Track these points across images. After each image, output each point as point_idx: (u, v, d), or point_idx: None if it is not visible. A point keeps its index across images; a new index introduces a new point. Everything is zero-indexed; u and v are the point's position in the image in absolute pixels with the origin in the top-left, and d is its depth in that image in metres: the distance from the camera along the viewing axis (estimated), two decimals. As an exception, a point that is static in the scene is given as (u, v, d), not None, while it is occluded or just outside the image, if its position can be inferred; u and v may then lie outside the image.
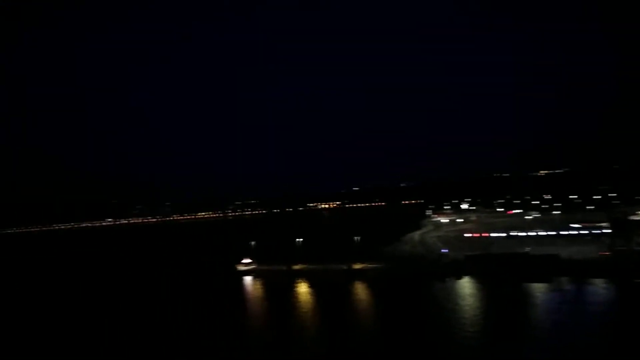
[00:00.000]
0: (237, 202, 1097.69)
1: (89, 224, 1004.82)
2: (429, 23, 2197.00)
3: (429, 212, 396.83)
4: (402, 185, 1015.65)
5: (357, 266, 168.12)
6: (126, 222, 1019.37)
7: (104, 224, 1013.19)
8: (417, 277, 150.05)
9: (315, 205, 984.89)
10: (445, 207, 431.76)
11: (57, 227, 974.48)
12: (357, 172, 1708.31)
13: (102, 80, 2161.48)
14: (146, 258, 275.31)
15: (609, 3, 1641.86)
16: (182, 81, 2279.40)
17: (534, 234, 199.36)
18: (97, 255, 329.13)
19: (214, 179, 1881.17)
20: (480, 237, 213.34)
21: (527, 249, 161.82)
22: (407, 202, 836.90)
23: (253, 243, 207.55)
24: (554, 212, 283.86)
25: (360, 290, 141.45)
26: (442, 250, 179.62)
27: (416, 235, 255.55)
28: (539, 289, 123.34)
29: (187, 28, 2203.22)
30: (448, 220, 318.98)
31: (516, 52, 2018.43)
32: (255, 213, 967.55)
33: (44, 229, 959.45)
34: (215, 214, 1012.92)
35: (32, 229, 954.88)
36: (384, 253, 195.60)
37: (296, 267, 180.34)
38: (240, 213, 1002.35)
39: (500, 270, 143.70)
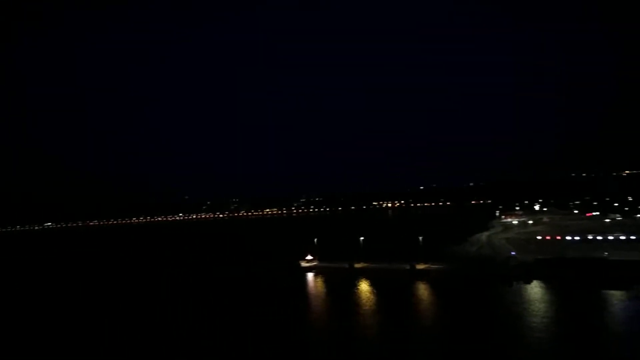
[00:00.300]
0: (302, 200, 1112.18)
1: (162, 219, 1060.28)
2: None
3: (497, 213, 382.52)
4: (470, 184, 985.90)
5: (421, 266, 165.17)
6: (196, 217, 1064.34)
7: (177, 218, 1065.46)
8: (483, 279, 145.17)
9: (380, 204, 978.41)
10: (515, 208, 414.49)
11: (135, 221, 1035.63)
12: (420, 171, 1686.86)
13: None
14: (214, 252, 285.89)
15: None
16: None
17: (613, 238, 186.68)
18: (171, 248, 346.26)
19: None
20: (553, 240, 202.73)
21: (605, 254, 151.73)
22: (474, 202, 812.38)
23: (316, 240, 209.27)
24: (637, 215, 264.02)
25: (423, 290, 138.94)
26: (511, 253, 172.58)
27: (483, 236, 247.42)
28: (616, 296, 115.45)
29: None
30: (518, 222, 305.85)
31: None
32: (320, 211, 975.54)
33: (122, 222, 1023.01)
34: (280, 211, 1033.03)
35: (112, 222, 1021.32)
36: (449, 254, 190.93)
37: (358, 265, 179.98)
38: (304, 210, 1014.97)
39: (574, 275, 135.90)
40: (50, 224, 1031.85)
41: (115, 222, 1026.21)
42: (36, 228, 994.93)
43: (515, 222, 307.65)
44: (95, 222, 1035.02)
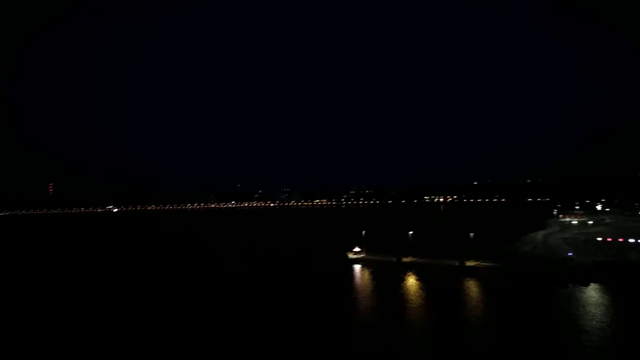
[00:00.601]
0: (351, 192, 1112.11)
1: (216, 206, 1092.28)
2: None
3: (555, 212, 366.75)
4: (527, 181, 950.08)
5: (470, 263, 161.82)
6: (248, 205, 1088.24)
7: (229, 206, 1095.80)
8: (536, 279, 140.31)
9: (432, 199, 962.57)
10: (575, 207, 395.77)
11: (190, 207, 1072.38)
12: (474, 167, 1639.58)
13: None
14: (263, 240, 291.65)
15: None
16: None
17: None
18: (222, 232, 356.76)
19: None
20: (614, 242, 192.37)
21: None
22: (531, 199, 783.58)
23: (364, 232, 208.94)
24: None
25: (472, 288, 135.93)
26: (568, 254, 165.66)
27: (539, 235, 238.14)
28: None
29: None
30: (577, 222, 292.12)
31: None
32: (370, 203, 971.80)
33: (177, 208, 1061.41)
34: (330, 202, 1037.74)
35: (168, 208, 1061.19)
36: (501, 252, 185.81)
37: (406, 259, 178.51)
38: (354, 202, 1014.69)
39: (635, 279, 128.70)
40: (111, 206, 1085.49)
41: (170, 207, 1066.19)
42: (99, 211, 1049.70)
43: (574, 222, 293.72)
44: (153, 206, 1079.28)
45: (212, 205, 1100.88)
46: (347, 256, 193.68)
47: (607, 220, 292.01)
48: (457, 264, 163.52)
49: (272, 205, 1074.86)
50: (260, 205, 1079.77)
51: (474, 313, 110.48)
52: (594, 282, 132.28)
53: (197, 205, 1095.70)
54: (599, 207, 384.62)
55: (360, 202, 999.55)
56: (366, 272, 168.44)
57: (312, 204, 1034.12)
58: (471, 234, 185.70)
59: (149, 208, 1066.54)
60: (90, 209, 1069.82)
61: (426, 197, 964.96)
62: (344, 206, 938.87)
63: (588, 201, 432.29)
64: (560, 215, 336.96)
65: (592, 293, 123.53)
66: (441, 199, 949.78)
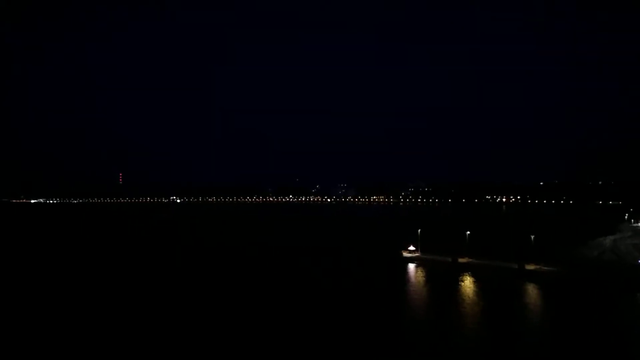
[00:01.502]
0: (410, 189, 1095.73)
1: (274, 199, 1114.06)
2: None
3: (627, 216, 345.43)
4: (599, 182, 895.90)
5: (530, 267, 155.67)
6: (305, 200, 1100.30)
7: (287, 199, 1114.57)
8: (602, 287, 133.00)
9: (493, 198, 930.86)
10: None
11: (249, 200, 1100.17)
12: (538, 165, 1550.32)
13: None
14: (313, 236, 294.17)
15: None
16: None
17: None
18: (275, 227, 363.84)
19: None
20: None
21: None
22: (601, 202, 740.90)
23: (420, 231, 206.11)
24: None
25: (532, 292, 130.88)
26: (638, 261, 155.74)
27: (608, 240, 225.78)
28: None
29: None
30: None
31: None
32: (428, 202, 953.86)
33: (238, 200, 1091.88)
34: (387, 199, 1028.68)
35: (229, 200, 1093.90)
36: (565, 256, 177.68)
37: (462, 260, 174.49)
38: (411, 200, 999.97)
39: None
40: (175, 197, 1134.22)
41: (230, 199, 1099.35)
42: (164, 201, 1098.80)
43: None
44: (213, 198, 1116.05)
45: (270, 199, 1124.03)
46: (401, 254, 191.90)
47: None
48: (516, 267, 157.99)
49: (328, 200, 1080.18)
50: (317, 200, 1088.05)
51: (533, 319, 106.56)
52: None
53: (255, 199, 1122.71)
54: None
55: (419, 200, 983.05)
56: (420, 272, 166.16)
57: (369, 201, 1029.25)
58: (532, 236, 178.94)
59: (209, 200, 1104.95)
60: (155, 199, 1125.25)
61: (487, 197, 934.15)
62: (401, 204, 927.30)
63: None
64: (633, 220, 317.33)
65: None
66: (503, 199, 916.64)
